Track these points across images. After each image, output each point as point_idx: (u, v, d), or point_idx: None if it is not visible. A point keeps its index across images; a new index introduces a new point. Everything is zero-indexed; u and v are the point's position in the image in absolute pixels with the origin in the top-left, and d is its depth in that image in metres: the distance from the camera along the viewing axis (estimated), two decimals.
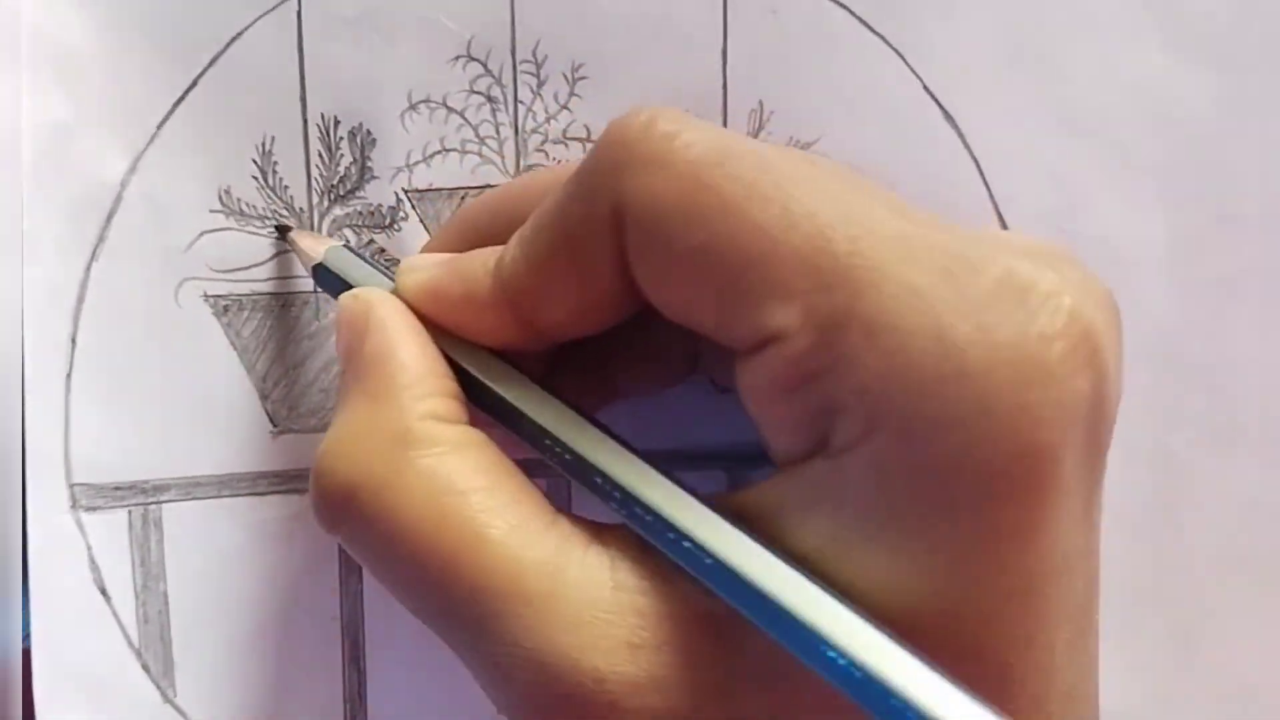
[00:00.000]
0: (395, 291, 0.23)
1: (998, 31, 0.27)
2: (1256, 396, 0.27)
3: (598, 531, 0.20)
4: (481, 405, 0.22)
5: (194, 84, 0.26)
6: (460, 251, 0.23)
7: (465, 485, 0.20)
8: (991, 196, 0.27)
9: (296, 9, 0.26)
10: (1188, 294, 0.27)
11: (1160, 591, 0.28)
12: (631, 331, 0.22)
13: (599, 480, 0.20)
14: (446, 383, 0.22)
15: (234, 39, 0.26)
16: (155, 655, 0.27)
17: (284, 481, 0.27)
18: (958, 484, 0.17)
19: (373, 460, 0.20)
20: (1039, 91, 0.27)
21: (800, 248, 0.18)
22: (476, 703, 0.21)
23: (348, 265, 0.24)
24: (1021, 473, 0.17)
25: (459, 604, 0.19)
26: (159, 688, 0.27)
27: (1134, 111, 0.27)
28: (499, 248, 0.21)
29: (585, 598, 0.19)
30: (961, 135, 0.27)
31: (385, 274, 0.24)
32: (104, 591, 0.27)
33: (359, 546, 0.21)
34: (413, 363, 0.21)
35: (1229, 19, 0.27)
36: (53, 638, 0.26)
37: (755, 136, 0.27)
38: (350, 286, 0.24)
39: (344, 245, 0.25)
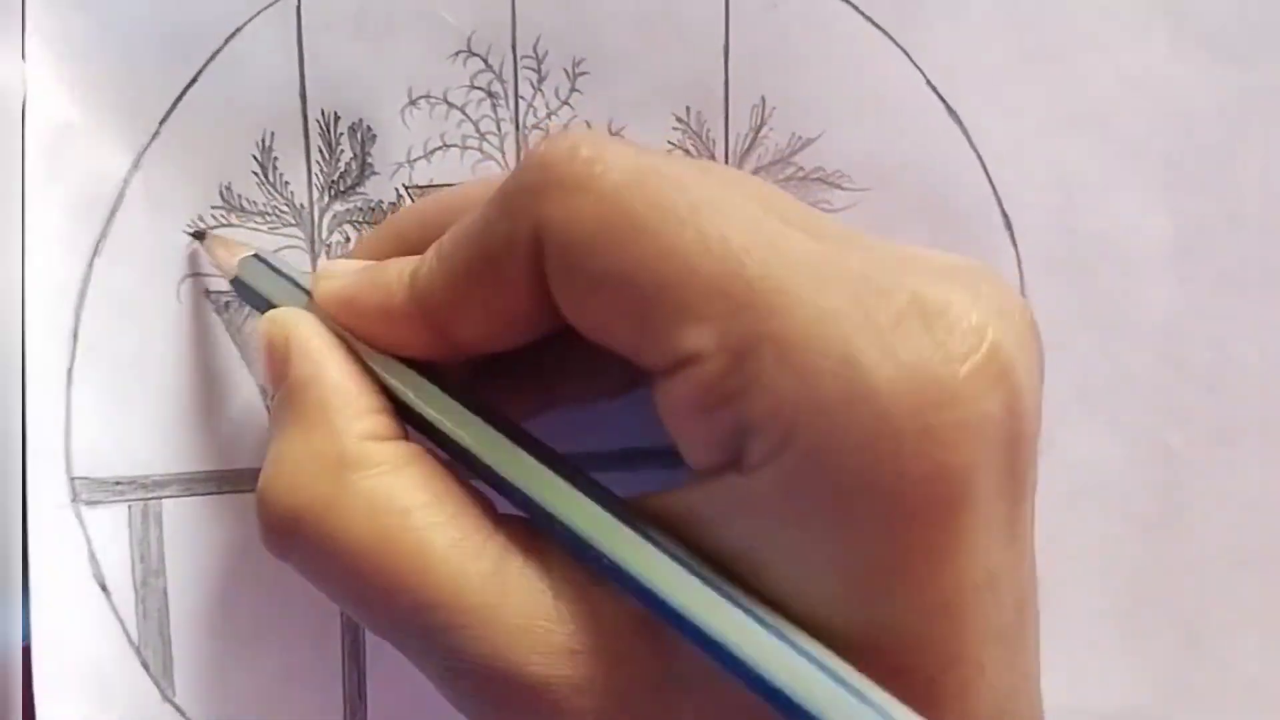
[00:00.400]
0: (311, 302, 0.23)
1: (1002, 27, 0.27)
2: (1260, 393, 0.27)
3: (537, 538, 0.21)
4: (402, 417, 0.22)
5: (194, 80, 0.26)
6: (384, 258, 0.23)
7: (406, 503, 0.20)
8: (995, 192, 0.27)
9: (296, 4, 0.26)
10: (1192, 290, 0.27)
11: (1164, 589, 0.28)
12: (572, 343, 0.22)
13: (516, 496, 0.21)
14: (377, 399, 0.22)
15: (233, 34, 0.26)
16: (154, 652, 0.27)
17: None
18: (866, 503, 0.17)
19: (313, 486, 0.21)
20: (1043, 87, 0.27)
21: (713, 271, 0.18)
22: None
23: (261, 278, 0.24)
24: (930, 493, 0.17)
25: (407, 620, 0.20)
26: (158, 685, 0.27)
27: (1139, 107, 0.27)
28: (417, 257, 0.22)
29: (525, 606, 0.20)
30: (965, 131, 0.27)
31: (300, 285, 0.23)
32: (104, 587, 0.27)
33: (309, 571, 0.21)
34: (342, 383, 0.21)
35: (1235, 14, 0.26)
36: (52, 632, 0.26)
37: (757, 133, 0.27)
38: (266, 299, 0.24)
39: (254, 255, 0.25)
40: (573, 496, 0.20)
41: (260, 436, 0.27)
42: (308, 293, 0.23)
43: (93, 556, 0.27)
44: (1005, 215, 0.27)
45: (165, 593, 0.27)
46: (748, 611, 0.18)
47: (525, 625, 0.19)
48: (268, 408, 0.27)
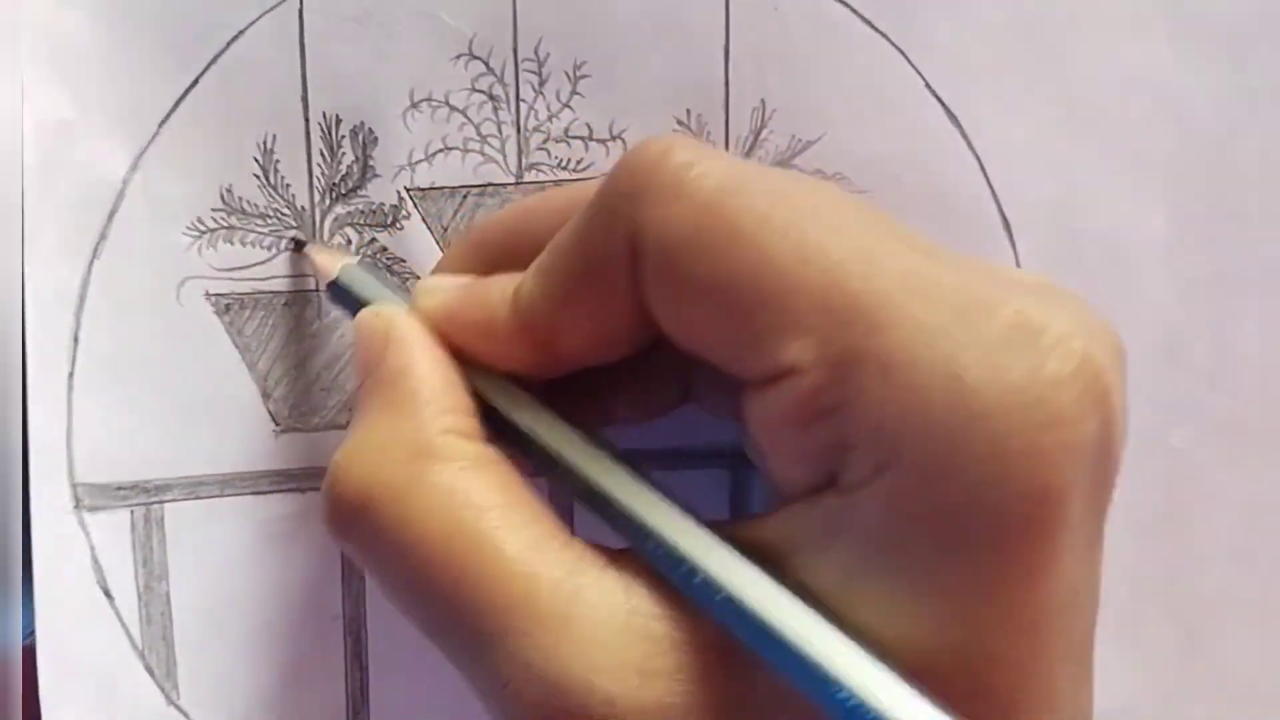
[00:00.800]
0: (411, 311, 0.23)
1: (1000, 28, 0.27)
2: (1260, 392, 0.27)
3: (614, 555, 0.20)
4: (493, 428, 0.22)
5: (195, 82, 0.26)
6: (473, 270, 0.23)
7: (483, 501, 0.20)
8: (994, 194, 0.27)
9: (298, 7, 0.26)
10: (1191, 290, 0.27)
11: (1164, 588, 0.28)
12: (627, 361, 0.22)
13: (610, 510, 0.20)
14: (466, 400, 0.22)
15: (235, 37, 0.26)
16: (158, 657, 0.27)
17: (287, 480, 0.27)
18: (969, 524, 0.17)
19: (391, 470, 0.20)
20: (1041, 88, 0.27)
21: (815, 283, 0.18)
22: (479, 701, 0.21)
23: (363, 284, 0.25)
24: (1032, 514, 0.17)
25: (468, 619, 0.19)
26: (162, 690, 0.27)
27: (1137, 107, 0.27)
28: (517, 275, 0.22)
29: (599, 621, 0.19)
30: (964, 133, 0.27)
31: (399, 294, 0.24)
32: (107, 592, 0.27)
33: (369, 555, 0.21)
34: (434, 378, 0.22)
35: (1233, 14, 0.27)
36: (56, 638, 0.26)
37: (757, 135, 0.27)
38: (365, 304, 0.24)
39: (358, 263, 0.25)
40: (667, 512, 0.20)
41: (261, 439, 0.27)
42: (407, 302, 0.23)
43: (95, 562, 0.27)
44: (1004, 216, 0.27)
45: (168, 597, 0.27)
46: (852, 638, 0.18)
47: (595, 639, 0.19)
48: (268, 409, 0.27)
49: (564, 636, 0.19)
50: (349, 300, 0.25)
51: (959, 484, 0.17)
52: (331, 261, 0.25)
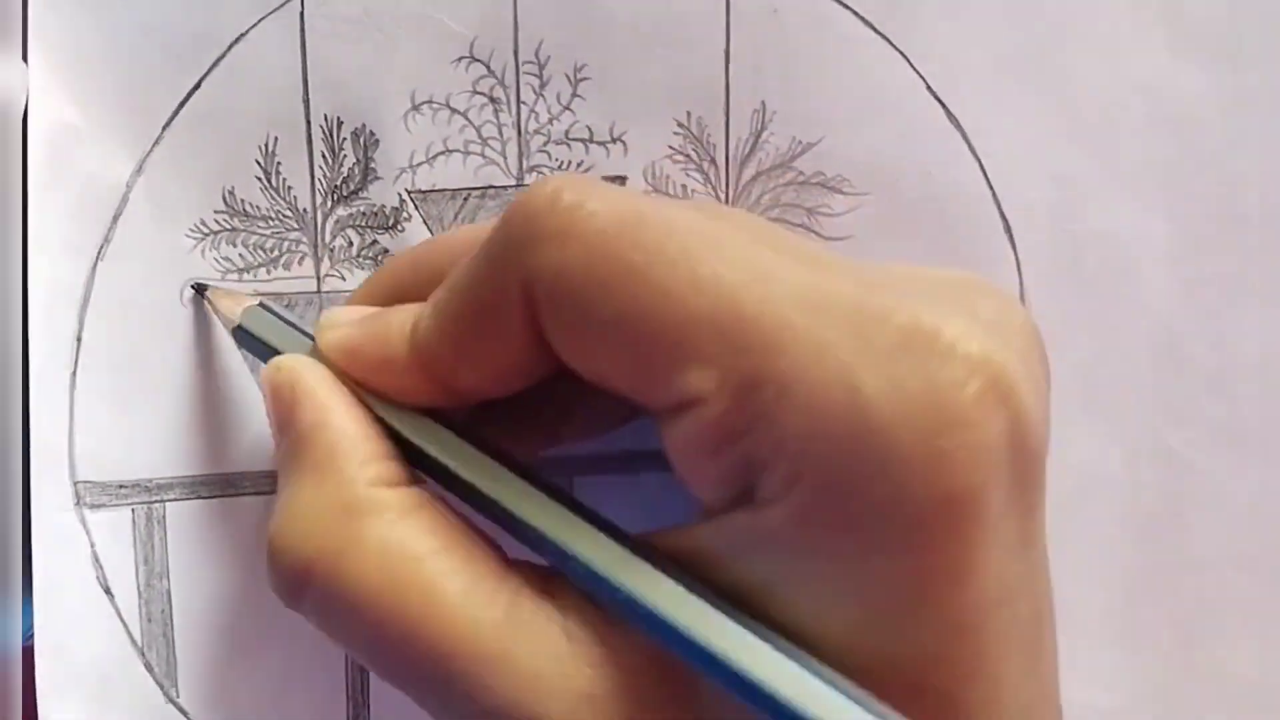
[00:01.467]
0: (315, 349, 0.23)
1: (1001, 32, 0.27)
2: (1259, 395, 0.27)
3: (549, 581, 0.21)
4: (411, 462, 0.22)
5: (198, 85, 0.26)
6: (382, 304, 0.23)
7: (417, 550, 0.20)
8: (995, 197, 0.27)
9: (299, 10, 0.26)
10: (1191, 293, 0.27)
11: (1162, 590, 0.28)
12: (574, 382, 0.22)
13: (530, 534, 0.20)
14: (385, 445, 0.22)
15: (237, 40, 0.26)
16: (158, 654, 0.27)
17: None
18: (880, 532, 0.17)
19: (324, 534, 0.20)
20: (1043, 92, 0.27)
21: (709, 311, 0.18)
22: None
23: (265, 327, 0.24)
24: (943, 517, 0.17)
25: (420, 668, 0.20)
26: (161, 687, 0.27)
27: (1138, 111, 0.27)
28: (417, 306, 0.22)
29: (540, 652, 0.19)
30: (965, 136, 0.27)
31: (304, 333, 0.23)
32: (107, 590, 0.27)
33: (322, 620, 0.21)
34: (350, 429, 0.21)
35: (1232, 18, 0.27)
36: (56, 636, 0.27)
37: (758, 137, 0.27)
38: (271, 347, 0.24)
39: (260, 304, 0.25)
40: (587, 532, 0.20)
41: (261, 439, 0.27)
42: (312, 339, 0.23)
43: (96, 560, 0.27)
44: (1004, 218, 0.27)
45: (169, 595, 0.27)
46: (771, 643, 0.18)
47: (541, 671, 0.19)
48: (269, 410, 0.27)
49: (508, 673, 0.19)
50: (256, 345, 0.24)
51: (865, 495, 0.17)
52: (233, 305, 0.25)
